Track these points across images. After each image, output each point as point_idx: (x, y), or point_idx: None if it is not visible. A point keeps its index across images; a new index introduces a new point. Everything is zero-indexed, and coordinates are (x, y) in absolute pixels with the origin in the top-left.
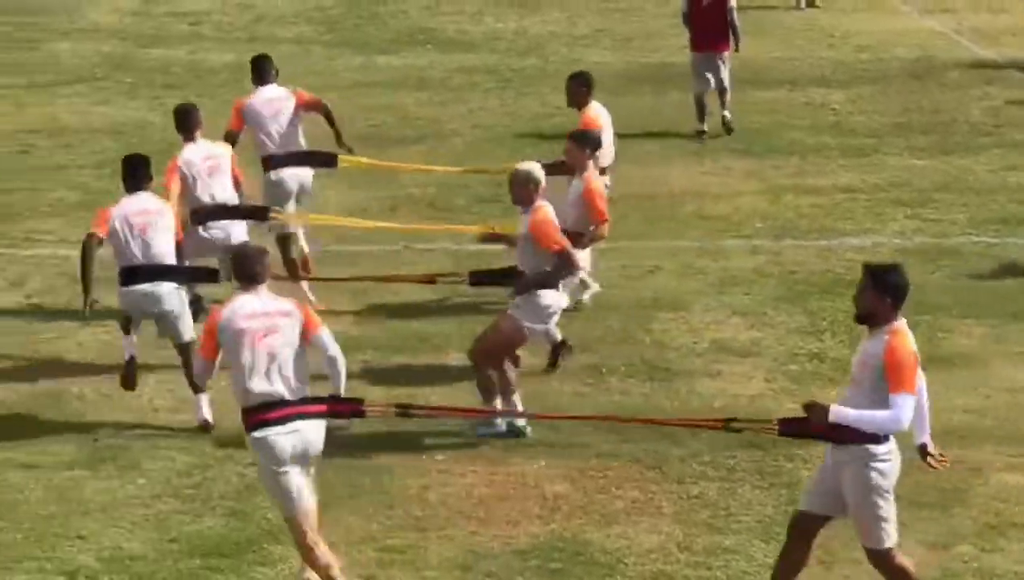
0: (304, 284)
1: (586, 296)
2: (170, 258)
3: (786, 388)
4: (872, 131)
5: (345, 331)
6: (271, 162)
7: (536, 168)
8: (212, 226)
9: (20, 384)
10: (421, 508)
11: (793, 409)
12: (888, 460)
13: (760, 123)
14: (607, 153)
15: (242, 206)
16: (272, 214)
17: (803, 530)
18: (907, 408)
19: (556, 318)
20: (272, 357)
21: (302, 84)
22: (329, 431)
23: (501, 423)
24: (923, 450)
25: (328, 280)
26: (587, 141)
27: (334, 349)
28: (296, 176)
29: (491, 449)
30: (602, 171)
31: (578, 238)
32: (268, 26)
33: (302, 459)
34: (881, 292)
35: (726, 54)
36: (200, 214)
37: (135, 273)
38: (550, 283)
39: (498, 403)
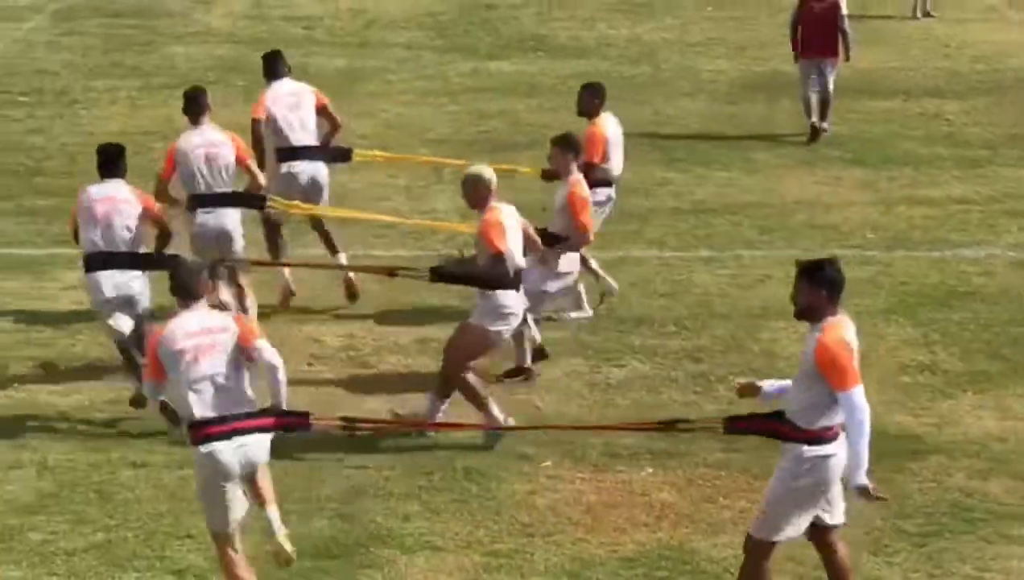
0: (286, 272)
1: (572, 314)
2: (133, 246)
3: (896, 400)
4: (986, 142)
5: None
6: (285, 154)
7: (485, 171)
8: (206, 213)
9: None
10: (528, 514)
11: (901, 422)
12: (819, 467)
13: (874, 133)
14: (616, 165)
15: (239, 194)
16: (269, 203)
17: (818, 543)
18: (860, 397)
19: (517, 319)
20: (214, 374)
21: (414, 89)
22: (434, 439)
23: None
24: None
25: (277, 265)
26: (571, 146)
27: (273, 359)
28: (309, 170)
29: (598, 455)
30: (608, 183)
31: (561, 243)
32: (379, 31)
33: (245, 473)
34: (816, 286)
35: (834, 62)
36: (196, 201)
37: (98, 259)
38: (480, 283)
39: (494, 411)
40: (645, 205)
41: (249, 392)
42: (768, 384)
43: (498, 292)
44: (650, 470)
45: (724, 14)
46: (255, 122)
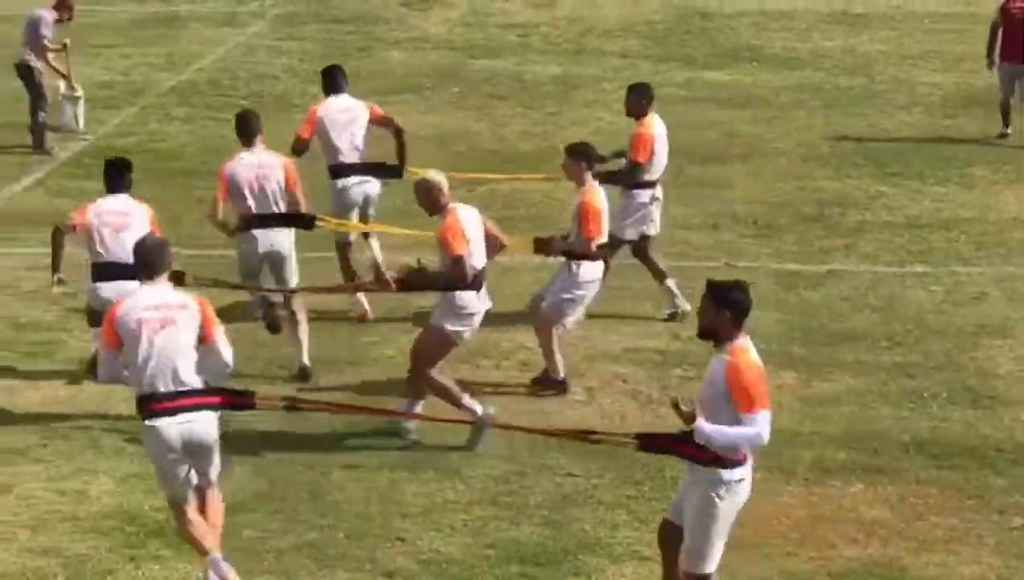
0: (361, 295)
1: (569, 322)
2: None
3: None
4: None
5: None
6: (339, 171)
7: (434, 175)
8: (256, 234)
9: (345, 386)
10: (737, 526)
11: None
12: (734, 490)
13: None
14: (659, 166)
15: (288, 214)
16: (318, 222)
17: (667, 539)
18: (765, 424)
19: (478, 319)
20: (167, 348)
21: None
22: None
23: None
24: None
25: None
26: (582, 155)
27: (227, 353)
28: (362, 186)
29: (807, 470)
30: (651, 184)
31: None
32: (596, 39)
33: (192, 448)
34: (720, 307)
35: None
36: (247, 222)
37: (107, 270)
38: (441, 287)
39: (471, 404)
40: (858, 218)
41: (199, 371)
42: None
43: (458, 293)
44: (860, 486)
45: (942, 26)
46: (301, 141)
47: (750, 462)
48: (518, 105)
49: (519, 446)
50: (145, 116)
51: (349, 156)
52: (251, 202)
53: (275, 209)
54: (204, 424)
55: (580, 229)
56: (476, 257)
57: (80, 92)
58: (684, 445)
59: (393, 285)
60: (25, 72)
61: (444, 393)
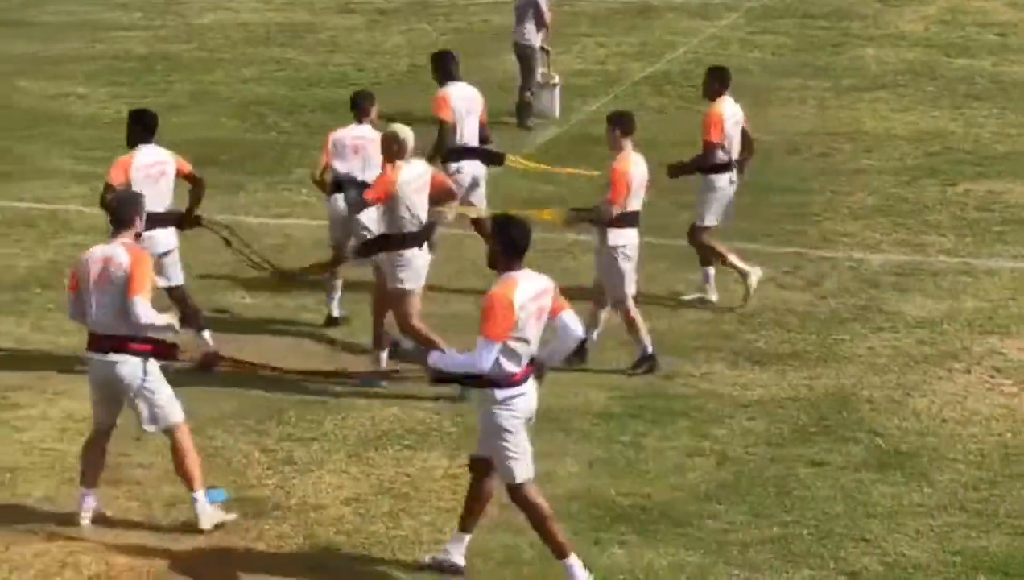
0: None
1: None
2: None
3: None
4: None
5: None
6: (453, 154)
7: (402, 130)
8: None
9: (815, 383)
10: None
11: None
12: (510, 405)
13: None
14: (734, 147)
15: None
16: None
17: (476, 471)
18: (485, 351)
19: (422, 268)
20: (103, 295)
21: None
22: None
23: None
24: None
25: None
26: (617, 122)
27: (142, 314)
28: (472, 169)
29: None
30: (729, 166)
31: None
32: None
33: (106, 388)
34: (496, 240)
35: None
36: (333, 185)
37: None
38: (390, 245)
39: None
40: None
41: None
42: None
43: (402, 251)
44: None
45: None
46: (443, 124)
47: (529, 381)
48: (994, 106)
49: (991, 454)
50: (618, 105)
51: (463, 141)
52: (342, 169)
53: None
54: (125, 369)
55: (608, 193)
56: (414, 209)
57: (557, 79)
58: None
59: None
60: (524, 51)
61: (427, 340)
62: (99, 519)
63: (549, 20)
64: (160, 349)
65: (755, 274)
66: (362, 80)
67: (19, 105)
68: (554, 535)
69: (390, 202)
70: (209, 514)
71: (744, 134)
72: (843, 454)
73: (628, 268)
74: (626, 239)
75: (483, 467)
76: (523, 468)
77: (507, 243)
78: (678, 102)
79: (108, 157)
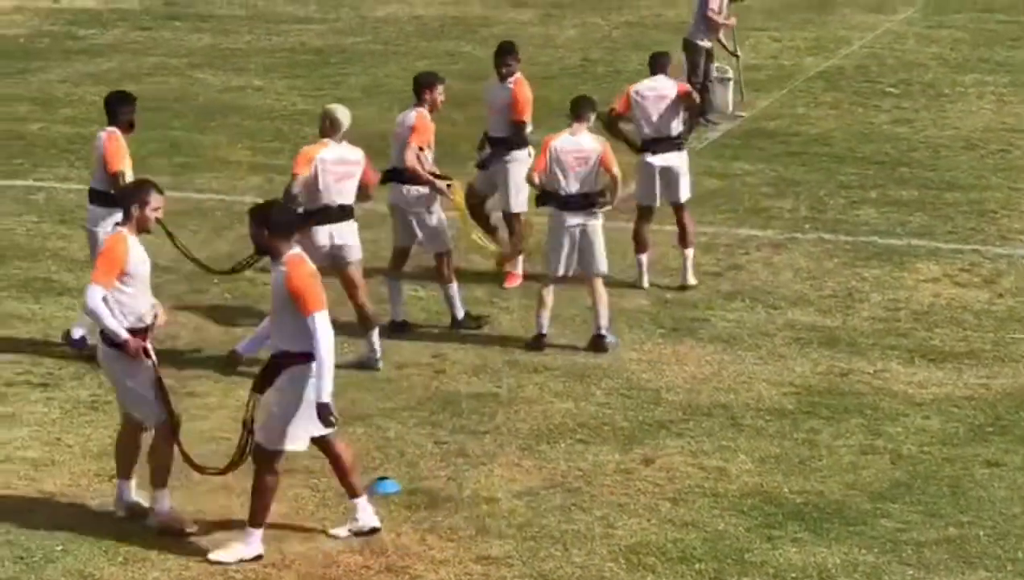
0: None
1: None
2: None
3: None
4: None
5: None
6: (644, 145)
7: (338, 110)
8: None
9: (991, 382)
10: None
11: None
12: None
13: None
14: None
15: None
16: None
17: (325, 450)
18: (323, 323)
19: (323, 248)
20: None
21: None
22: None
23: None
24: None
25: None
26: (572, 106)
27: (91, 305)
28: (664, 160)
29: None
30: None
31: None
32: None
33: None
34: (259, 226)
35: None
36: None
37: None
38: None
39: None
40: None
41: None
42: (241, 346)
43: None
44: None
45: None
46: (619, 115)
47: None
48: None
49: None
50: (792, 100)
51: (653, 132)
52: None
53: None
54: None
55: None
56: (324, 190)
57: (731, 74)
58: (274, 363)
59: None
60: (690, 48)
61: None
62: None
63: (720, 19)
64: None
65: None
66: (535, 74)
67: (197, 97)
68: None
69: (309, 176)
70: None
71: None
72: (1021, 455)
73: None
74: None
75: (329, 446)
76: (290, 442)
77: (271, 224)
78: (852, 97)
79: (283, 149)
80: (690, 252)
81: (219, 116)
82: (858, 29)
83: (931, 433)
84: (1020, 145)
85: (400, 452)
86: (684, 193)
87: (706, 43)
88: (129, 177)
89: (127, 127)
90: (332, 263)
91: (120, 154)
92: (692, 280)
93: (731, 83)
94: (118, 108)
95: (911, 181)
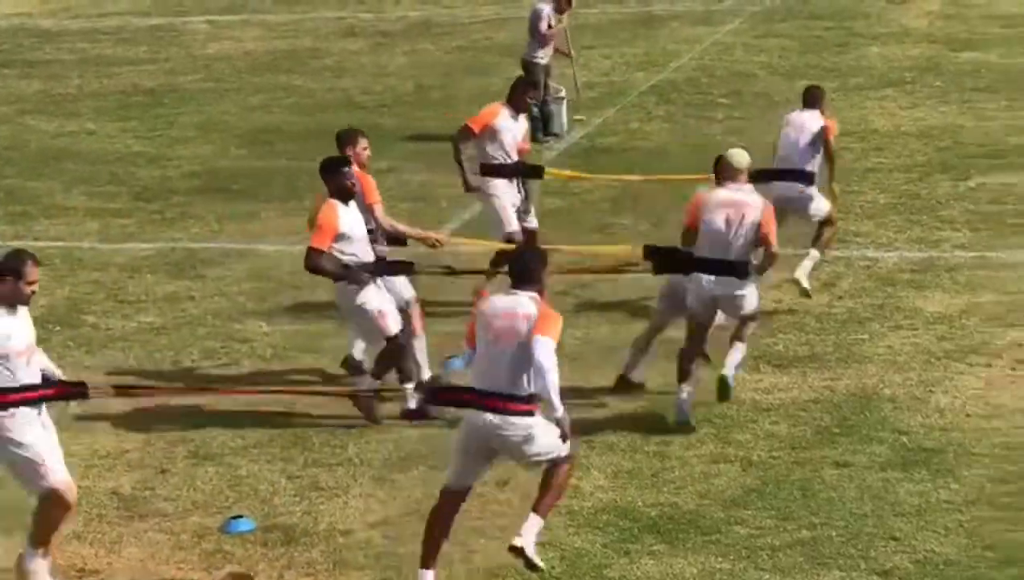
0: None
1: None
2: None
3: None
4: None
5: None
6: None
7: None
8: None
9: (836, 384)
10: None
11: None
12: None
13: None
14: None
15: None
16: None
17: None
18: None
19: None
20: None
21: None
22: None
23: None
24: None
25: None
26: None
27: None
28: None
29: None
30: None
31: None
32: None
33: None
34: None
35: None
36: None
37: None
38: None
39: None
40: None
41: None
42: None
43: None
44: None
45: None
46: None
47: None
48: (1003, 99)
49: (1018, 446)
50: (626, 115)
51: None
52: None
53: None
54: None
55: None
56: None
57: (563, 93)
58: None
59: None
60: (528, 67)
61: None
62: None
63: (551, 35)
64: (67, 390)
65: None
66: (369, 103)
67: (29, 144)
68: None
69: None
70: None
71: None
72: (868, 454)
73: None
74: None
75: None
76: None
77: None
78: (685, 110)
79: (119, 192)
80: None
81: (53, 162)
82: (687, 42)
83: (779, 438)
84: (852, 148)
85: (253, 489)
86: None
87: (543, 59)
88: None
89: None
90: None
91: None
92: None
93: (564, 101)
94: None
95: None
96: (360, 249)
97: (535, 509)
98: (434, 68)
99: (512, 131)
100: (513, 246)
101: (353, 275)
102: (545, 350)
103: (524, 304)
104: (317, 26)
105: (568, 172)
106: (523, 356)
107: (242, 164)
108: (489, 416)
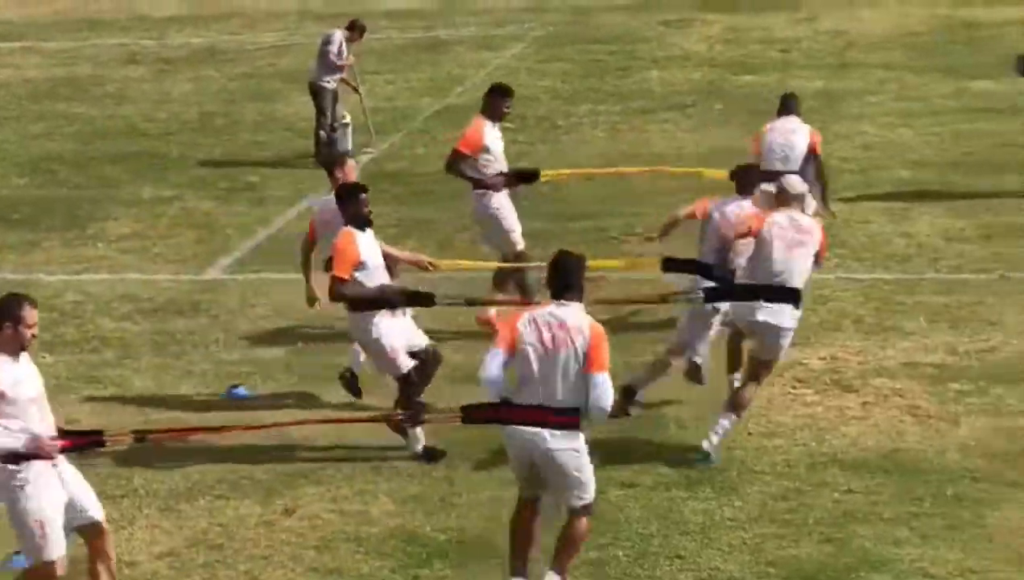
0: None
1: None
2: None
3: None
4: None
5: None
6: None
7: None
8: None
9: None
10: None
11: None
12: None
13: None
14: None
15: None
16: None
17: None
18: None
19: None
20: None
21: (895, 111)
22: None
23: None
24: None
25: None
26: None
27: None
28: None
29: None
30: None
31: None
32: (859, 53)
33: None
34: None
35: None
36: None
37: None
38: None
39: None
40: None
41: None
42: None
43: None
44: None
45: None
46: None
47: None
48: None
49: (797, 463)
50: (412, 141)
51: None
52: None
53: None
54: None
55: None
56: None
57: (348, 119)
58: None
59: None
60: (315, 90)
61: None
62: None
63: (341, 62)
64: (83, 440)
65: None
66: (152, 130)
67: None
68: None
69: None
70: None
71: None
72: (653, 474)
73: None
74: None
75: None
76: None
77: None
78: None
79: None
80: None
81: None
82: (471, 66)
83: None
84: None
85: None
86: None
87: (331, 84)
88: None
89: None
90: None
91: None
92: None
93: (349, 128)
94: None
95: (537, 214)
96: (378, 278)
97: (554, 567)
98: (218, 95)
99: (499, 140)
100: (515, 265)
101: (388, 297)
102: (605, 391)
103: (575, 316)
104: (98, 53)
105: (567, 171)
106: (577, 371)
107: (23, 193)
108: (535, 431)
